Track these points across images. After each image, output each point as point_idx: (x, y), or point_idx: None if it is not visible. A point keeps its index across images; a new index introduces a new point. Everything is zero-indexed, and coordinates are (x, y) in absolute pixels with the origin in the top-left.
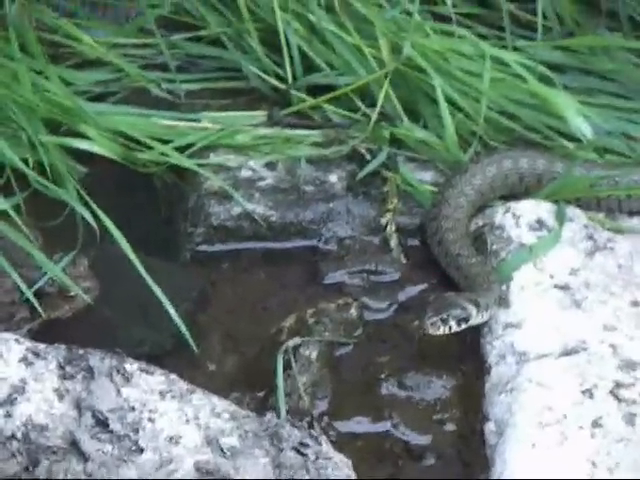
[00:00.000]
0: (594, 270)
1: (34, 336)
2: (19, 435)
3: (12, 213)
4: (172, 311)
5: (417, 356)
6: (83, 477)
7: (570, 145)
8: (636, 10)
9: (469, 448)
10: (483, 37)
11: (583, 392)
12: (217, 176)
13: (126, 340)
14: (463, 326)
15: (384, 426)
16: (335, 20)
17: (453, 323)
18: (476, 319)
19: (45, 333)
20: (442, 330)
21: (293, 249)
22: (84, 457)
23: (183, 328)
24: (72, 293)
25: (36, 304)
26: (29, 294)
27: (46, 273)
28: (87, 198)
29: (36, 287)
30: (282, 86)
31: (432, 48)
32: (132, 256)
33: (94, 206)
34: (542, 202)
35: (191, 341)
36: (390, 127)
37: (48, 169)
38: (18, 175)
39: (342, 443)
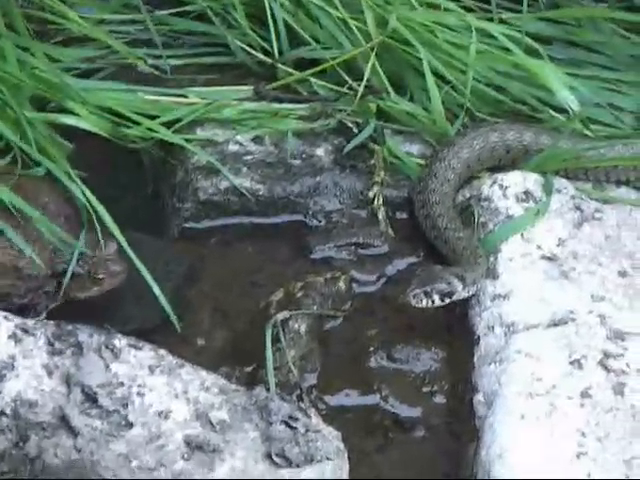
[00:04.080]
0: (582, 241)
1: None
2: (8, 411)
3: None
4: (156, 289)
5: (406, 328)
6: (73, 452)
7: (557, 116)
8: None
9: (458, 420)
10: (469, 10)
11: (572, 363)
12: (204, 151)
13: (115, 316)
14: (447, 301)
15: (373, 399)
16: None
17: (436, 297)
18: (461, 294)
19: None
20: (425, 303)
21: (281, 223)
22: (74, 432)
23: (167, 307)
24: (100, 276)
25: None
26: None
27: (81, 253)
28: (73, 175)
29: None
30: (268, 60)
31: (418, 21)
32: (116, 232)
33: (78, 182)
34: (529, 173)
35: (175, 320)
36: (376, 100)
37: (34, 146)
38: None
39: (331, 416)
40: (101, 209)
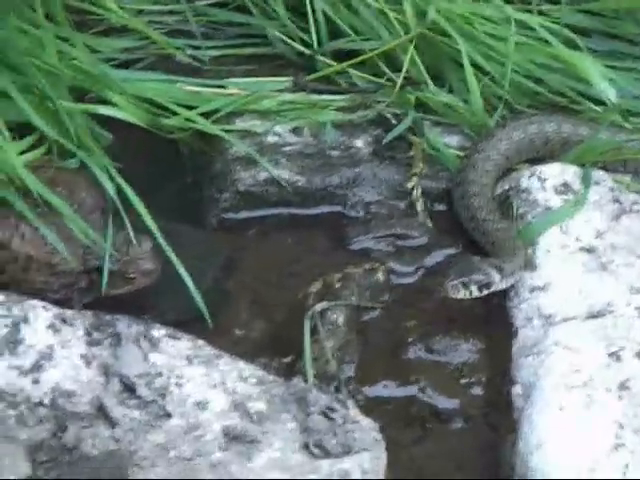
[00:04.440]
0: (620, 233)
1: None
2: (47, 401)
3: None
4: (190, 284)
5: (444, 320)
6: (111, 442)
7: (595, 109)
8: None
9: (496, 411)
10: (508, 1)
11: (610, 355)
12: (243, 142)
13: (154, 307)
14: (485, 292)
15: (411, 390)
16: None
17: (474, 288)
18: (499, 285)
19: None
20: (462, 294)
21: (319, 214)
22: (112, 422)
23: (200, 303)
24: (132, 274)
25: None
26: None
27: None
28: (109, 167)
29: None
30: (307, 51)
31: (457, 12)
32: (150, 223)
33: (114, 173)
34: (568, 165)
35: (207, 316)
36: (415, 91)
37: (74, 136)
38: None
39: (369, 407)
40: (137, 202)
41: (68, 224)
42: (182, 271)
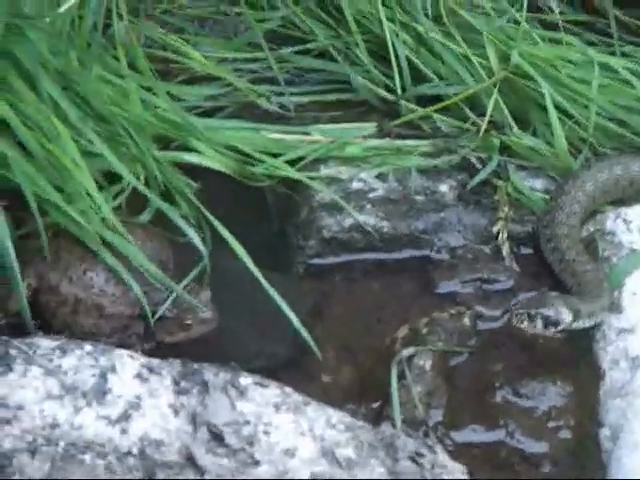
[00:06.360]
0: None
1: (148, 353)
2: (135, 451)
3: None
4: (294, 319)
5: (531, 364)
6: None
7: None
8: None
9: (585, 454)
10: (591, 44)
11: None
12: (328, 188)
13: (240, 354)
14: (552, 329)
15: (500, 434)
16: (442, 30)
17: (539, 322)
18: (571, 325)
19: (160, 350)
20: (526, 325)
21: (405, 259)
22: (201, 471)
23: (305, 334)
24: (189, 322)
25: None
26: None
27: (168, 297)
28: (206, 213)
29: (159, 313)
30: (391, 97)
31: (540, 56)
32: (252, 267)
33: (212, 219)
34: None
35: (315, 348)
36: (500, 135)
37: (162, 186)
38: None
39: (458, 452)
40: (236, 245)
41: (132, 265)
42: (286, 309)
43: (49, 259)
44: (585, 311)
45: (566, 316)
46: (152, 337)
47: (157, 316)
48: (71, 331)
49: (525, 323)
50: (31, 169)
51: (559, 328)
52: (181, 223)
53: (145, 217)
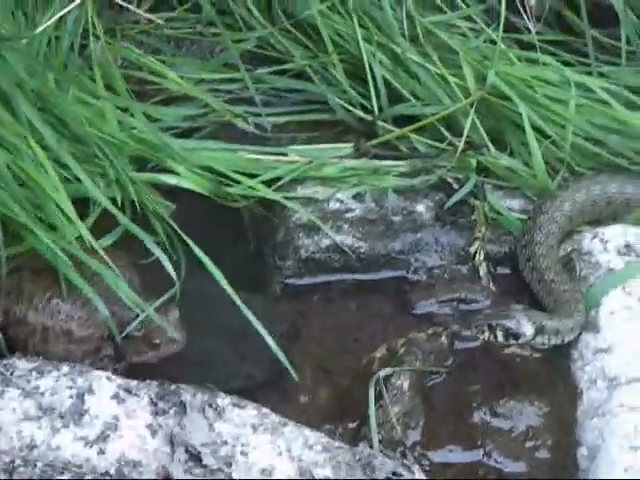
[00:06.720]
0: None
1: (123, 374)
2: (112, 471)
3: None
4: (271, 341)
5: (508, 383)
6: None
7: None
8: None
9: (563, 474)
10: (567, 64)
11: None
12: (305, 209)
13: (218, 375)
14: (512, 341)
15: (477, 454)
16: (419, 50)
17: (500, 334)
18: (532, 340)
19: (133, 371)
20: (486, 336)
21: (383, 280)
22: None
23: (281, 356)
24: (157, 341)
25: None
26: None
27: (137, 316)
28: (183, 235)
29: (127, 331)
30: (368, 117)
31: (517, 76)
32: (228, 288)
33: (189, 241)
34: (630, 227)
35: (292, 370)
36: (477, 155)
37: (138, 207)
38: (109, 212)
39: (435, 472)
40: (213, 268)
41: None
42: (263, 331)
43: (12, 293)
44: (550, 327)
45: (527, 330)
46: (123, 357)
47: (124, 334)
48: (46, 359)
49: (485, 334)
50: (4, 194)
51: (520, 341)
52: (151, 246)
53: (108, 240)
